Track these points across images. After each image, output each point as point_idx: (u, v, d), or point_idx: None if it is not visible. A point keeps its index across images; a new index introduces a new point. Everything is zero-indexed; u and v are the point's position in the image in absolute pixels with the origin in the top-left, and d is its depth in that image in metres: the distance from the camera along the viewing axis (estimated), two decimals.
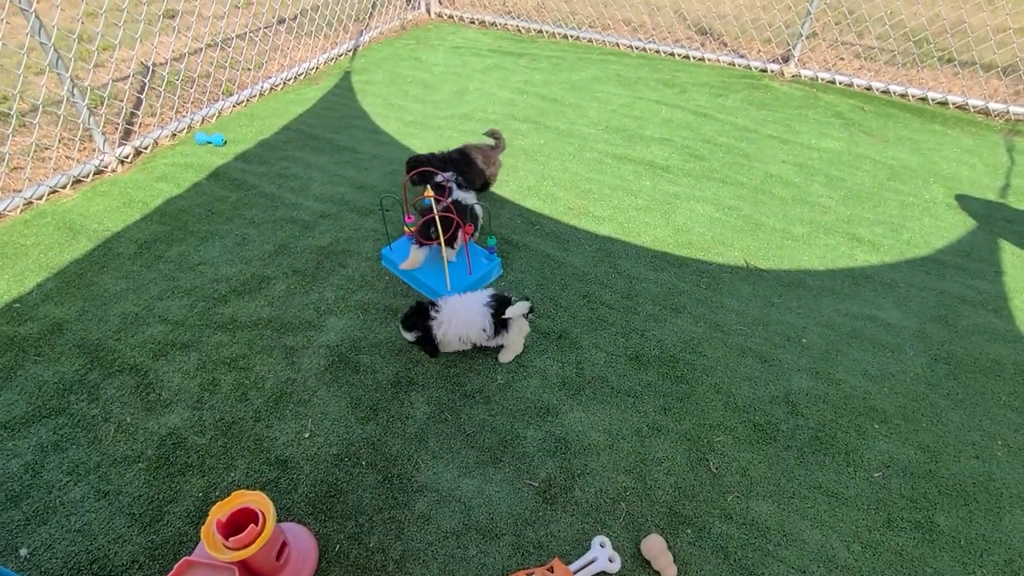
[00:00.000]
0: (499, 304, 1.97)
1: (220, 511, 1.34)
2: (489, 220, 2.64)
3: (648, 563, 1.58)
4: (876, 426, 1.98)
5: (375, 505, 1.69)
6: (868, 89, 4.27)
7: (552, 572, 1.49)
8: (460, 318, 1.98)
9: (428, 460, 1.81)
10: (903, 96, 4.17)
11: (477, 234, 2.59)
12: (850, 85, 4.31)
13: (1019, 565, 1.61)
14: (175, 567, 1.31)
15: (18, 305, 2.28)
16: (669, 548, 1.59)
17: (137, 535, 1.59)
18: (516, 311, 1.94)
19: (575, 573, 1.52)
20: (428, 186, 2.43)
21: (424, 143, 3.55)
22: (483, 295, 2.03)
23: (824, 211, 3.02)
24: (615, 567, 1.55)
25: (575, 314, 2.36)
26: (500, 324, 1.98)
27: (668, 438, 1.91)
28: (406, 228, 2.57)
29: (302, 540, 1.56)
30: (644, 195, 3.12)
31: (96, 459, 1.77)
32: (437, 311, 2.00)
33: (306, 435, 1.87)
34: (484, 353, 2.16)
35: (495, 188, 3.10)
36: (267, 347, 2.15)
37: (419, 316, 2.00)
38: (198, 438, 1.84)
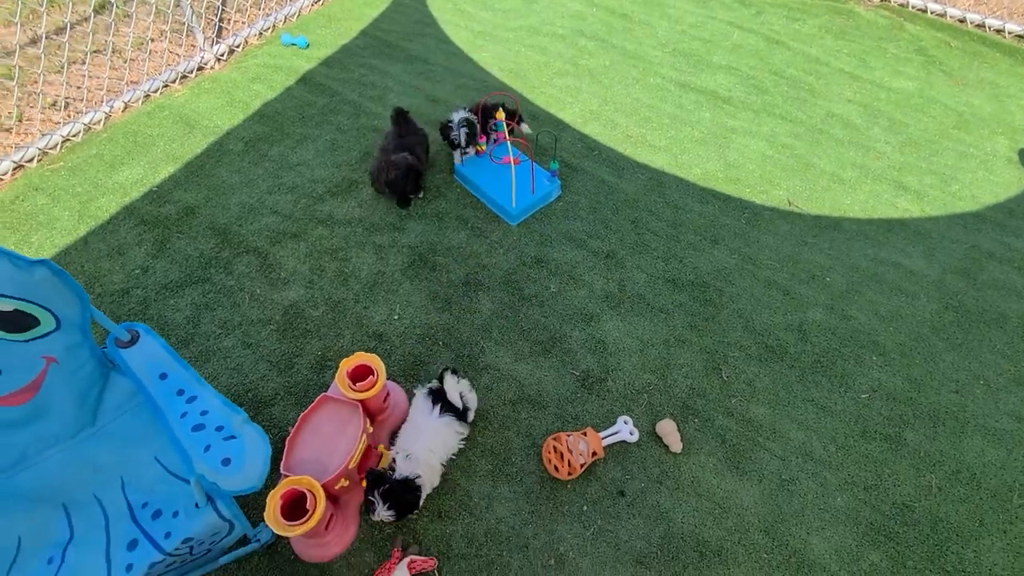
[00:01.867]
0: (442, 399, 1.83)
1: (347, 364, 1.82)
2: (555, 145, 2.86)
3: (660, 439, 2.03)
4: (874, 358, 2.29)
5: None
6: (962, 21, 4.00)
7: (585, 435, 1.95)
8: (428, 444, 1.77)
9: (491, 346, 2.26)
10: (999, 32, 3.91)
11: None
12: (942, 15, 4.04)
13: (963, 475, 1.99)
14: (316, 401, 1.82)
15: (155, 189, 2.73)
16: (678, 430, 2.03)
17: (276, 377, 2.12)
18: (452, 391, 1.84)
19: (603, 439, 1.99)
20: (500, 108, 2.66)
21: (492, 56, 3.66)
22: (426, 408, 1.83)
23: (878, 156, 3.09)
24: (634, 438, 2.01)
25: (623, 237, 2.66)
26: (459, 412, 1.85)
27: (690, 349, 2.29)
28: (479, 147, 2.83)
29: (397, 393, 2.07)
30: (702, 127, 3.23)
31: (238, 319, 2.28)
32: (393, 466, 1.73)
33: (395, 317, 2.32)
34: (541, 271, 2.52)
35: (559, 112, 3.26)
36: (360, 242, 2.56)
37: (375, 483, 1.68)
38: (313, 311, 2.32)
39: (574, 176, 2.91)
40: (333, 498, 1.75)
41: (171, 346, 1.58)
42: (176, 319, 2.27)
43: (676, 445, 2.00)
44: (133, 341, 1.56)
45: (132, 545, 1.38)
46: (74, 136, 2.93)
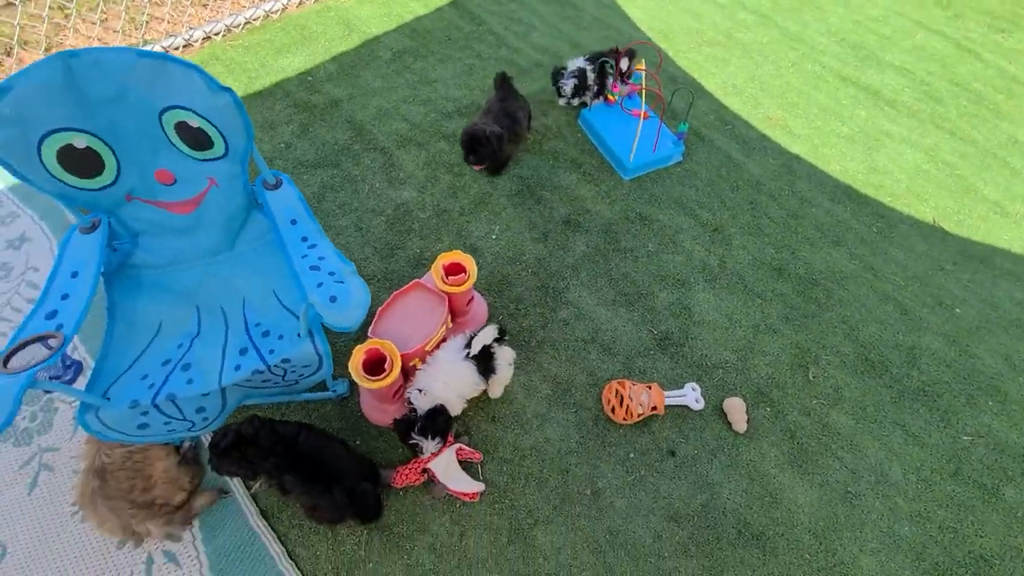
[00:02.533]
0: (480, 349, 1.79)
1: (445, 258, 1.93)
2: (690, 106, 2.77)
3: (725, 415, 1.98)
4: (990, 403, 2.05)
5: (531, 300, 2.23)
6: None
7: (650, 388, 1.95)
8: (442, 378, 1.77)
9: (576, 285, 2.29)
10: None
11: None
12: None
13: None
14: (409, 284, 1.97)
15: (310, 79, 3.00)
16: (747, 412, 1.97)
17: (378, 262, 2.30)
18: (483, 339, 1.78)
19: (667, 398, 1.97)
20: (637, 58, 2.60)
21: (644, 13, 3.56)
22: (456, 346, 1.82)
23: None
24: (699, 406, 1.98)
25: (736, 216, 2.55)
26: (486, 367, 1.82)
27: (779, 340, 2.18)
28: (610, 96, 2.80)
29: (479, 304, 2.17)
30: (853, 125, 2.97)
31: (355, 205, 2.49)
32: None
33: (493, 236, 2.42)
34: (643, 228, 2.49)
35: (700, 79, 3.13)
36: None
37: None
38: (420, 213, 2.47)
39: (700, 145, 2.81)
40: (404, 373, 1.90)
41: None
42: (304, 192, 2.52)
43: (740, 425, 1.94)
44: (276, 186, 1.76)
45: (243, 352, 1.60)
46: (254, 20, 3.27)
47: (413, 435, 1.69)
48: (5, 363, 1.36)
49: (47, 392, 1.51)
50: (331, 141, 2.72)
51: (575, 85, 2.71)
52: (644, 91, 2.57)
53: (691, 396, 1.99)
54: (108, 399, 1.48)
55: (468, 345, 1.79)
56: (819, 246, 2.47)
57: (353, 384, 1.97)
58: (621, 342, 2.14)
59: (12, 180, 2.47)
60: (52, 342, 1.41)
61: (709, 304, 2.26)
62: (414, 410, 1.75)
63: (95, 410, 1.46)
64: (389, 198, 2.52)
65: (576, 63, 2.70)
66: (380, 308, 1.91)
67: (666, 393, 1.98)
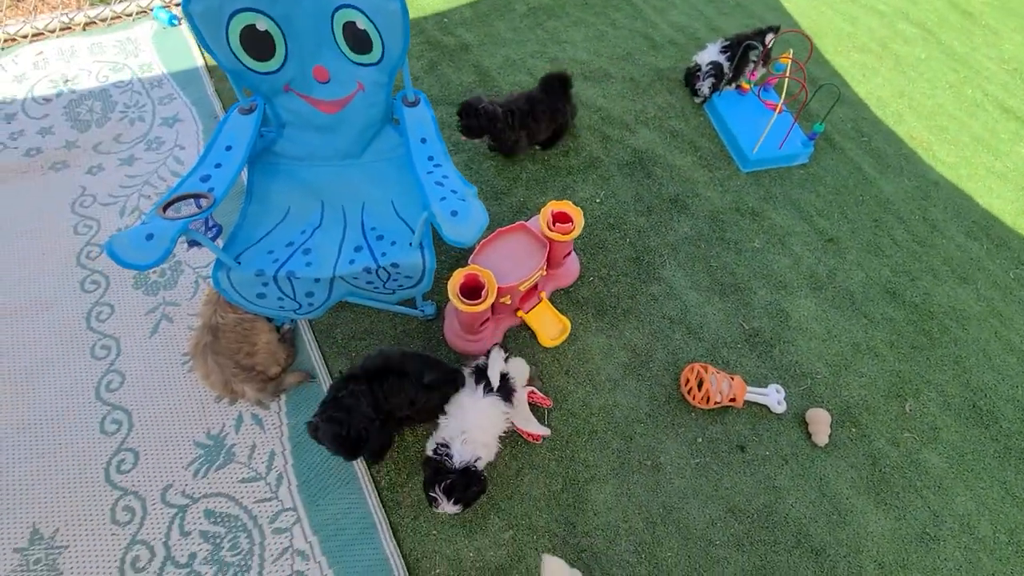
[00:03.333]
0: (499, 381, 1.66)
1: (555, 205, 1.95)
2: (831, 108, 2.60)
3: (806, 424, 1.89)
4: None
5: (624, 269, 2.21)
6: None
7: (732, 380, 1.89)
8: (477, 424, 1.61)
9: (673, 264, 2.24)
10: None
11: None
12: None
13: None
14: (515, 224, 2.00)
15: (445, 20, 3.07)
16: (830, 427, 1.87)
17: (487, 202, 2.35)
18: (497, 366, 1.64)
19: (748, 393, 1.91)
20: (785, 52, 2.47)
21: (795, 7, 3.36)
22: (472, 387, 1.66)
23: None
24: (780, 409, 1.90)
25: (856, 230, 2.39)
26: (507, 392, 1.68)
27: (879, 365, 2.05)
28: (745, 84, 2.69)
29: (574, 260, 2.18)
30: (1008, 162, 2.69)
31: (468, 146, 2.54)
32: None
33: (597, 200, 2.40)
34: (752, 223, 2.39)
35: (841, 86, 2.94)
36: (592, 127, 2.65)
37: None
38: (530, 164, 2.49)
39: (829, 152, 2.64)
40: (492, 309, 1.95)
41: None
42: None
43: (821, 438, 1.85)
44: (415, 104, 1.83)
45: (357, 249, 1.70)
46: None
47: (437, 489, 1.52)
48: (164, 210, 1.51)
49: (191, 245, 1.66)
50: (456, 81, 2.78)
51: (712, 84, 2.62)
52: (787, 81, 2.44)
53: (773, 397, 1.92)
54: (239, 263, 1.61)
55: (484, 383, 1.63)
56: (943, 279, 2.28)
57: (440, 309, 2.05)
58: (709, 329, 2.09)
59: (174, 65, 2.72)
60: (203, 202, 1.55)
61: (809, 312, 2.15)
62: (449, 455, 1.55)
63: (227, 270, 1.60)
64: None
65: (709, 56, 2.61)
66: (483, 241, 1.96)
67: (748, 388, 1.92)
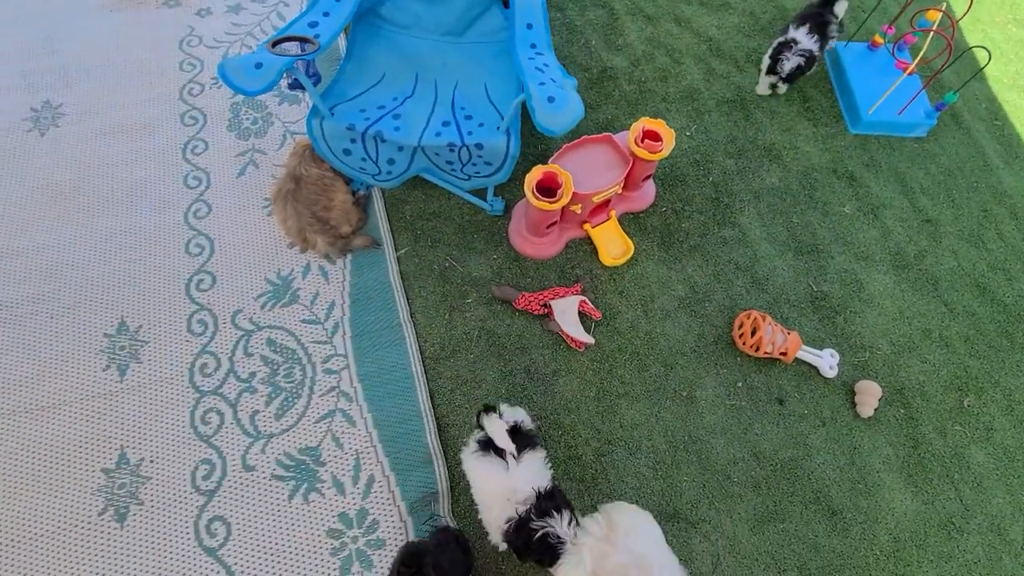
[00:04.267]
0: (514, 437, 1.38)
1: (646, 122, 1.87)
2: (970, 79, 2.33)
3: (854, 394, 1.84)
4: None
5: (700, 207, 2.14)
6: None
7: (788, 334, 1.85)
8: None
9: (753, 214, 2.15)
10: None
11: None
12: None
13: None
14: (601, 135, 1.95)
15: None
16: (878, 402, 1.82)
17: None
18: (502, 431, 1.35)
19: (801, 350, 1.86)
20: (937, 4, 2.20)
21: None
22: (493, 463, 1.38)
23: None
24: (832, 373, 1.85)
25: (959, 217, 2.21)
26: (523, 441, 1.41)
27: (947, 355, 1.95)
28: (877, 37, 2.44)
29: (651, 185, 2.12)
30: None
31: (565, 53, 2.44)
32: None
33: (688, 133, 2.30)
34: (846, 187, 2.24)
35: (998, 59, 2.60)
36: (698, 56, 2.49)
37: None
38: (625, 84, 2.39)
39: (953, 129, 2.41)
40: (562, 215, 1.94)
41: None
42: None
43: (867, 410, 1.81)
44: None
45: (445, 124, 1.71)
46: None
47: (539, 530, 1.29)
48: (272, 46, 1.55)
49: (292, 86, 1.72)
50: None
51: (796, 67, 2.20)
52: (930, 37, 2.19)
53: (827, 361, 1.87)
54: (332, 114, 1.65)
55: (498, 452, 1.36)
56: None
57: (508, 208, 2.05)
58: (774, 283, 2.02)
59: None
60: (308, 46, 1.58)
61: (885, 289, 2.04)
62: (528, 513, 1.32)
63: (321, 118, 1.65)
64: (600, 59, 2.45)
65: (804, 34, 2.22)
66: (567, 145, 1.92)
67: (804, 347, 1.87)
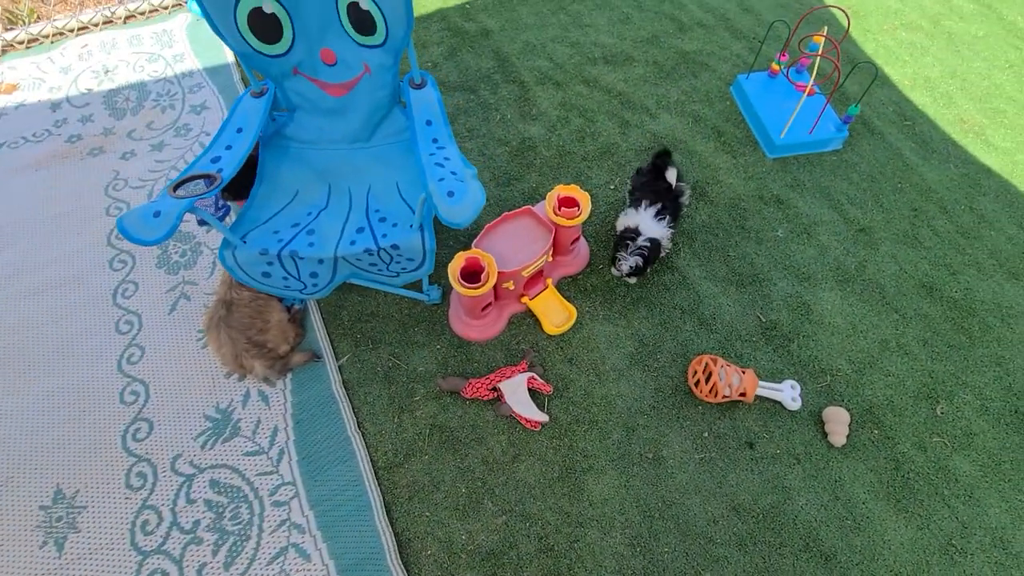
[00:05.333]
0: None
1: (563, 189, 1.90)
2: (867, 88, 2.42)
3: (822, 423, 1.79)
4: None
5: None
6: None
7: (743, 373, 1.81)
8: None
9: (688, 253, 2.16)
10: None
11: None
12: None
13: None
14: (521, 209, 1.97)
15: (467, 6, 3.05)
16: (849, 427, 1.76)
17: (494, 188, 2.34)
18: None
19: (760, 387, 1.82)
20: (817, 30, 2.32)
21: None
22: None
23: None
24: (795, 406, 1.80)
25: (891, 219, 2.23)
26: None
27: (910, 364, 1.91)
28: (774, 65, 2.55)
29: (584, 246, 2.13)
30: None
31: (484, 131, 2.52)
32: None
33: (611, 187, 2.34)
34: (775, 211, 2.27)
35: (885, 66, 2.74)
36: (610, 112, 2.58)
37: None
38: (544, 150, 2.45)
39: (867, 137, 2.48)
40: (496, 294, 1.93)
41: None
42: (449, 106, 2.59)
43: (838, 438, 1.75)
44: (421, 86, 1.82)
45: (360, 230, 1.72)
46: None
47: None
48: (174, 189, 1.57)
49: (200, 224, 1.73)
50: (475, 67, 2.76)
51: (638, 265, 1.88)
52: (818, 60, 2.29)
53: (788, 393, 1.82)
54: (244, 242, 1.66)
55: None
56: (989, 274, 2.10)
57: (445, 295, 2.05)
58: (722, 320, 2.00)
59: (204, 54, 2.82)
60: (212, 182, 1.60)
61: (834, 306, 2.03)
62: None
63: (233, 248, 1.65)
64: (517, 131, 2.53)
65: (643, 223, 1.89)
66: (488, 225, 1.94)
67: (760, 383, 1.83)
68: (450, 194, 1.48)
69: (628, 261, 1.88)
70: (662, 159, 2.10)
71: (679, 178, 2.09)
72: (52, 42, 2.91)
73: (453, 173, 1.58)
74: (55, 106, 2.63)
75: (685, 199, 2.12)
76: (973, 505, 1.67)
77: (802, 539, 1.62)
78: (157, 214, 1.45)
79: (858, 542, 1.61)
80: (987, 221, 2.24)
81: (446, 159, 1.64)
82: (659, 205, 1.95)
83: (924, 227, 2.22)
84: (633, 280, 2.06)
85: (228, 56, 2.82)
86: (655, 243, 1.90)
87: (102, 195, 2.33)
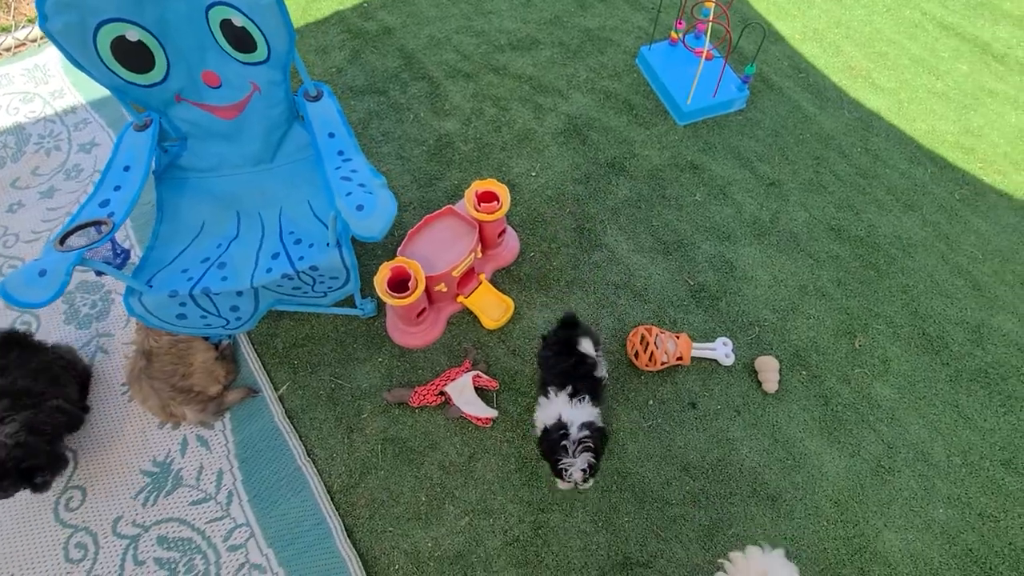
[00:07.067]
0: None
1: (479, 185, 1.90)
2: (759, 46, 2.52)
3: (756, 373, 1.88)
4: None
5: (564, 240, 2.18)
6: None
7: (678, 338, 1.88)
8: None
9: (614, 230, 2.21)
10: None
11: None
12: None
13: None
14: (442, 209, 1.96)
15: (365, 5, 2.96)
16: (779, 373, 1.87)
17: (416, 190, 2.30)
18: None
19: (695, 349, 1.89)
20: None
21: None
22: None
23: None
24: (728, 362, 1.89)
25: (797, 171, 2.35)
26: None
27: (827, 304, 2.03)
28: (673, 34, 2.61)
29: (512, 238, 2.14)
30: (949, 80, 2.64)
31: (399, 133, 2.48)
32: None
33: (533, 174, 2.35)
34: (692, 176, 2.35)
35: (776, 21, 2.86)
36: (523, 98, 2.58)
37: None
38: (462, 145, 2.43)
39: (767, 93, 2.59)
40: (430, 298, 1.92)
41: None
42: (350, 118, 2.52)
43: (771, 385, 1.85)
44: (317, 97, 1.76)
45: (275, 256, 1.66)
46: None
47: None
48: (61, 242, 1.46)
49: (98, 274, 1.62)
50: (381, 68, 2.69)
51: (589, 466, 1.43)
52: (710, 26, 2.36)
53: (721, 351, 1.91)
54: (150, 287, 1.57)
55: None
56: (888, 209, 2.25)
57: (381, 306, 2.01)
58: (654, 290, 2.06)
59: (86, 88, 2.62)
60: (103, 228, 1.50)
61: (754, 260, 2.13)
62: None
63: (138, 295, 1.56)
64: (433, 128, 2.49)
65: (570, 415, 1.47)
66: (411, 230, 1.91)
67: (695, 345, 1.90)
68: (359, 208, 1.45)
69: (577, 465, 1.41)
70: (569, 330, 1.65)
71: (596, 344, 1.65)
72: None
73: (361, 185, 1.54)
74: None
75: (602, 371, 1.65)
76: (895, 426, 1.81)
77: (749, 485, 1.71)
78: (43, 272, 1.35)
79: (799, 479, 1.72)
80: (881, 160, 2.39)
81: (353, 171, 1.60)
82: (569, 388, 1.53)
83: (827, 173, 2.35)
84: (589, 483, 1.60)
85: None
86: (594, 427, 1.47)
87: None
